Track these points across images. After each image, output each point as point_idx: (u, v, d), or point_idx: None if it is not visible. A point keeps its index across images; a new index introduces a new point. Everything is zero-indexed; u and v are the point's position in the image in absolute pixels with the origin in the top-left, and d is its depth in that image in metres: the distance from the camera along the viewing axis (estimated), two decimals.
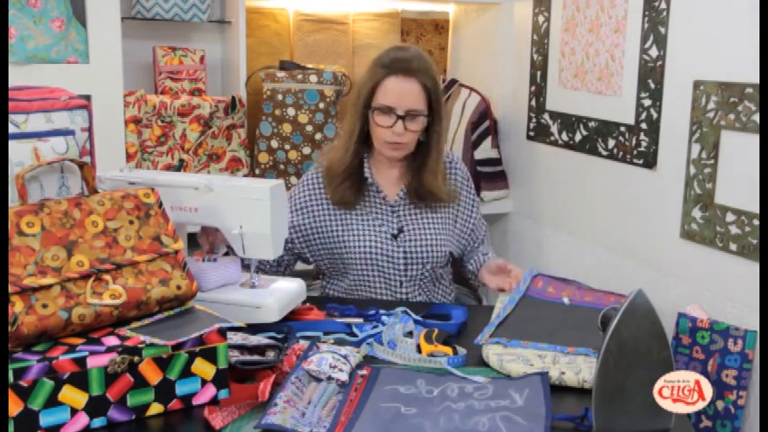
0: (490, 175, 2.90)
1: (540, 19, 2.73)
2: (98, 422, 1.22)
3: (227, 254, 1.85)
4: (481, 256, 2.11)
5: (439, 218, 2.05)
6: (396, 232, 1.99)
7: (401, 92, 1.92)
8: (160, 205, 1.45)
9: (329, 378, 1.37)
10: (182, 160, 2.67)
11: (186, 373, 1.29)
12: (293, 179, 2.77)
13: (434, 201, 2.04)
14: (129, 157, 2.54)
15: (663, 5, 2.16)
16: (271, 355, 1.44)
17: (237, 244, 1.66)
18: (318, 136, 2.71)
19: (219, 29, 2.91)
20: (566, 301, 1.79)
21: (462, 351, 1.53)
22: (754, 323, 1.89)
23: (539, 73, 2.75)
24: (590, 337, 1.53)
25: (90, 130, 1.52)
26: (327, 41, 3.02)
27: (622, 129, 2.35)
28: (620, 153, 2.37)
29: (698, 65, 2.05)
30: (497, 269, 2.00)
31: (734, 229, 1.94)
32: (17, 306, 1.21)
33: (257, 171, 2.79)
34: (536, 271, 1.93)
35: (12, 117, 1.40)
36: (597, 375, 1.21)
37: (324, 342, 1.54)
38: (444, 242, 2.04)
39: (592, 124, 2.49)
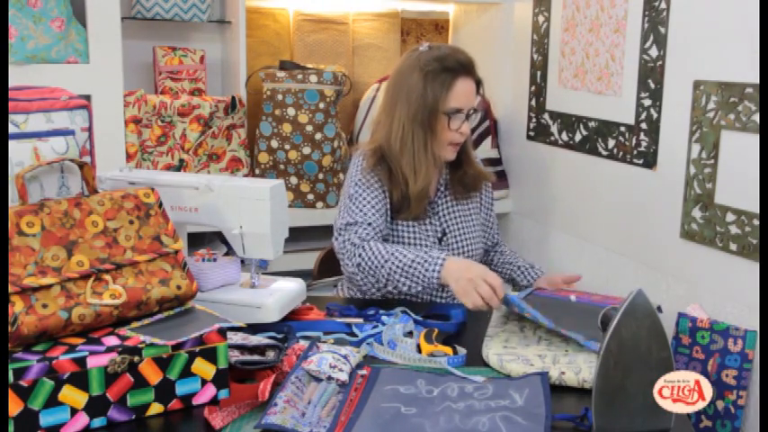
0: None
1: (540, 19, 2.73)
2: (98, 422, 1.22)
3: (227, 254, 1.85)
4: (529, 268, 2.11)
5: (472, 210, 2.07)
6: (440, 236, 1.98)
7: (468, 92, 1.93)
8: (160, 205, 1.45)
9: (329, 378, 1.37)
10: (182, 160, 2.67)
11: (186, 373, 1.29)
12: (293, 179, 2.77)
13: (476, 187, 2.06)
14: (129, 157, 2.54)
15: (663, 5, 2.16)
16: (271, 355, 1.44)
17: (237, 244, 1.66)
18: (318, 136, 2.71)
19: (219, 29, 2.91)
20: (572, 298, 1.79)
21: (462, 351, 1.53)
22: (754, 323, 1.89)
23: (539, 73, 2.75)
24: (589, 328, 1.53)
25: (90, 130, 1.52)
26: (327, 41, 3.02)
27: (622, 129, 2.35)
28: (620, 153, 2.37)
29: (698, 65, 2.05)
30: (563, 283, 1.97)
31: (734, 229, 1.94)
32: (17, 306, 1.21)
33: (257, 171, 2.79)
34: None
35: (12, 117, 1.40)
36: (597, 375, 1.22)
37: (324, 342, 1.54)
38: (481, 239, 2.08)
39: (592, 124, 2.49)
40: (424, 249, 1.80)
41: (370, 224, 1.87)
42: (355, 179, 1.93)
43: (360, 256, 1.81)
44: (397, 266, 1.77)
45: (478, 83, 1.98)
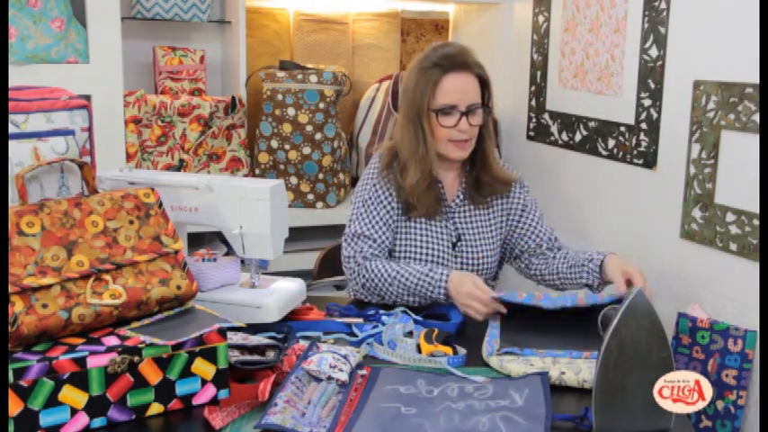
0: None
1: (540, 19, 2.73)
2: (98, 422, 1.22)
3: (227, 254, 1.85)
4: (587, 263, 1.87)
5: (491, 217, 2.01)
6: (455, 240, 1.97)
7: (461, 88, 1.88)
8: (160, 205, 1.45)
9: (329, 378, 1.37)
10: (182, 160, 2.67)
11: (186, 373, 1.29)
12: (293, 179, 2.77)
13: (494, 192, 2.00)
14: (129, 157, 2.54)
15: (663, 5, 2.16)
16: (271, 355, 1.44)
17: (237, 244, 1.66)
18: (318, 136, 2.71)
19: (219, 29, 2.91)
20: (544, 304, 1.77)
21: (462, 351, 1.53)
22: (754, 323, 1.89)
23: (539, 73, 2.75)
24: (592, 337, 1.53)
25: (90, 130, 1.52)
26: (327, 41, 3.02)
27: (622, 129, 2.35)
28: (620, 153, 2.37)
29: (698, 65, 2.05)
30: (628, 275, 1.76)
31: (734, 229, 1.94)
32: (17, 306, 1.21)
33: (257, 171, 2.79)
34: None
35: (12, 117, 1.40)
36: (597, 375, 1.21)
37: (324, 342, 1.54)
38: (497, 248, 2.02)
39: (592, 124, 2.49)
40: (429, 267, 1.81)
41: (375, 240, 1.89)
42: (371, 182, 1.94)
43: (365, 276, 1.85)
44: (404, 286, 1.80)
45: (482, 79, 1.92)
